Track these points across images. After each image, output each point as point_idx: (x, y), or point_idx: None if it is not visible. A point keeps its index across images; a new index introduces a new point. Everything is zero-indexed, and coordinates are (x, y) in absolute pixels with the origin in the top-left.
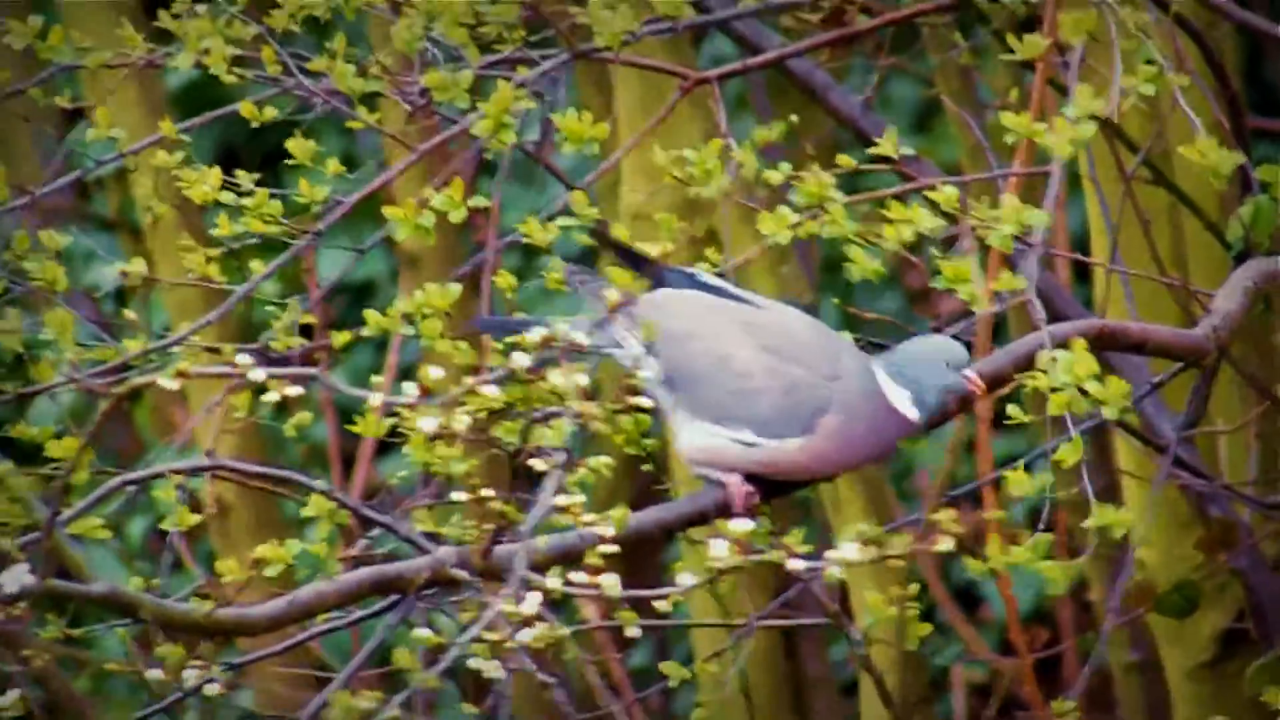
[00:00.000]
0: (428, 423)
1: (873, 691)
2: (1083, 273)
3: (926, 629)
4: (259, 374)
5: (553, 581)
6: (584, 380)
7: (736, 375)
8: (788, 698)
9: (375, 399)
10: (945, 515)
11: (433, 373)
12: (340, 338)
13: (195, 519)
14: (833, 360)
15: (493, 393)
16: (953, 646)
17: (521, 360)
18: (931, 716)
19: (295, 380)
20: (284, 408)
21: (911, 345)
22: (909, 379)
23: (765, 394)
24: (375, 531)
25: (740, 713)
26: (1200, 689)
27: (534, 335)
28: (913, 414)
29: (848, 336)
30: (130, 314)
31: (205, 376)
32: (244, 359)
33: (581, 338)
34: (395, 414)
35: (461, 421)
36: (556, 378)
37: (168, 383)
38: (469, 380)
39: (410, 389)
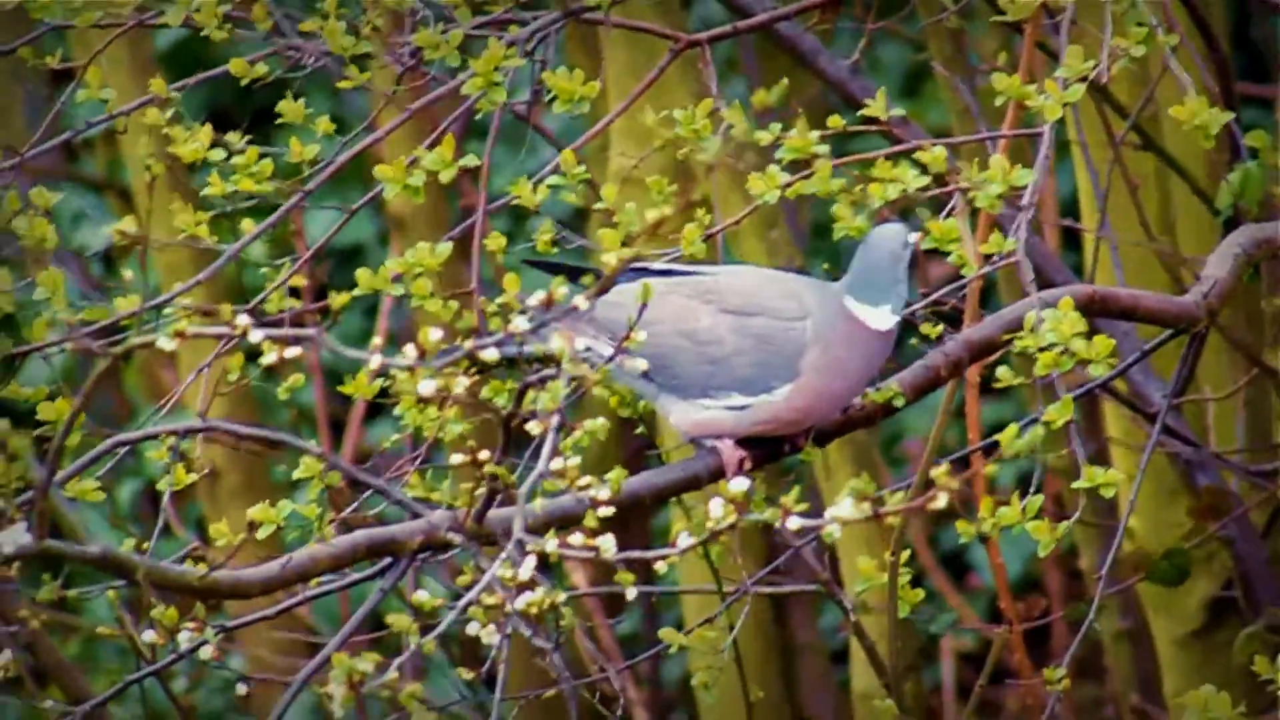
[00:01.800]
0: (427, 386)
1: (863, 659)
2: (1072, 240)
3: (918, 596)
4: (258, 334)
5: (549, 545)
6: (581, 343)
7: (707, 345)
8: (777, 665)
9: (374, 360)
10: (940, 472)
11: (433, 335)
12: (339, 299)
13: (191, 478)
14: (796, 299)
15: (492, 356)
16: (942, 614)
17: (521, 324)
18: (921, 684)
19: (294, 342)
20: (272, 372)
21: (862, 256)
22: (873, 289)
23: (740, 354)
24: (365, 495)
25: (731, 679)
26: (1189, 657)
27: (532, 299)
28: (884, 324)
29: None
30: (128, 273)
31: (204, 336)
32: (243, 319)
33: (582, 301)
34: (387, 377)
35: (460, 384)
36: (556, 341)
37: (166, 343)
38: (468, 344)
39: (409, 351)
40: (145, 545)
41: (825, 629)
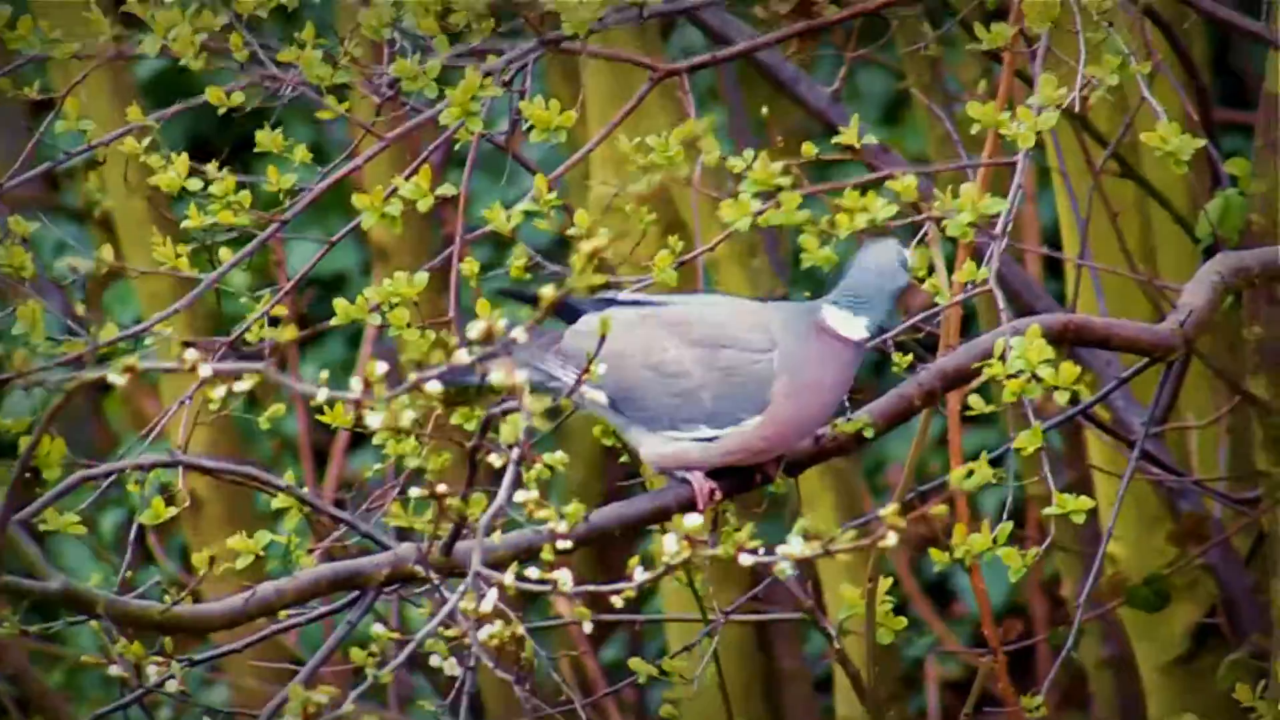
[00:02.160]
0: (374, 418)
1: (847, 686)
2: (1054, 267)
3: (901, 623)
4: (205, 370)
5: (509, 578)
6: (523, 377)
7: (673, 378)
8: (762, 692)
9: (321, 394)
10: (889, 511)
11: (379, 368)
12: (286, 332)
13: (170, 512)
14: (762, 329)
15: (436, 389)
16: (926, 639)
17: (463, 356)
18: (905, 712)
19: (243, 375)
20: (256, 401)
21: (859, 263)
22: (858, 299)
23: (706, 387)
24: (344, 525)
25: (715, 707)
26: (1173, 684)
27: (473, 330)
28: (856, 333)
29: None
30: (82, 310)
31: (152, 370)
32: (191, 353)
33: (521, 334)
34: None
35: (407, 418)
36: (497, 375)
37: (116, 378)
38: (413, 376)
39: (355, 384)
40: (128, 575)
41: (809, 656)
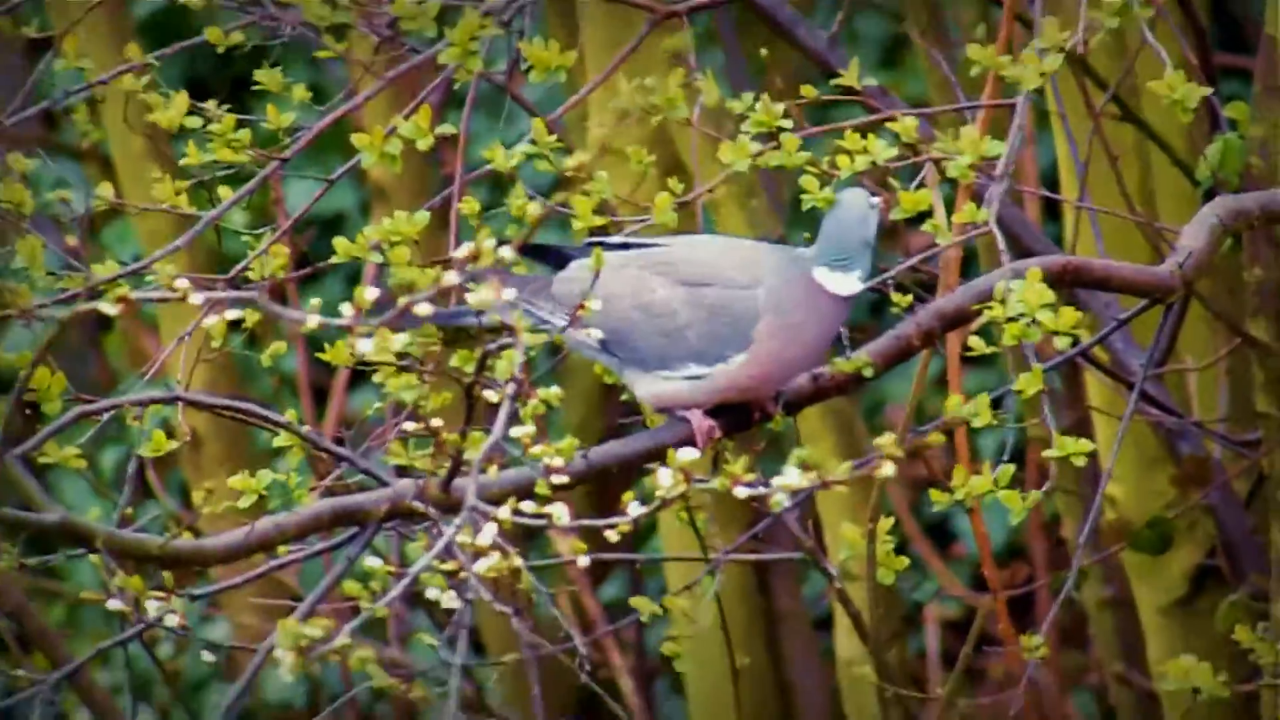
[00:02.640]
0: (364, 344)
1: (846, 626)
2: (1053, 210)
3: (903, 563)
4: (197, 298)
5: (503, 511)
6: (511, 295)
7: (661, 317)
8: (761, 633)
9: (312, 320)
10: (886, 441)
11: (369, 293)
12: (277, 262)
13: (171, 445)
14: (751, 268)
15: (427, 310)
16: (926, 582)
17: (451, 278)
18: (905, 652)
19: (235, 305)
20: (256, 339)
21: (832, 223)
22: (843, 254)
23: (693, 325)
24: (344, 463)
25: (715, 647)
26: (1172, 625)
27: (460, 251)
28: (846, 288)
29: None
30: (75, 244)
31: (146, 300)
32: (182, 283)
33: (508, 252)
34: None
35: (397, 343)
36: (481, 293)
37: (109, 308)
38: (403, 300)
39: (346, 310)
40: (129, 511)
41: (808, 597)
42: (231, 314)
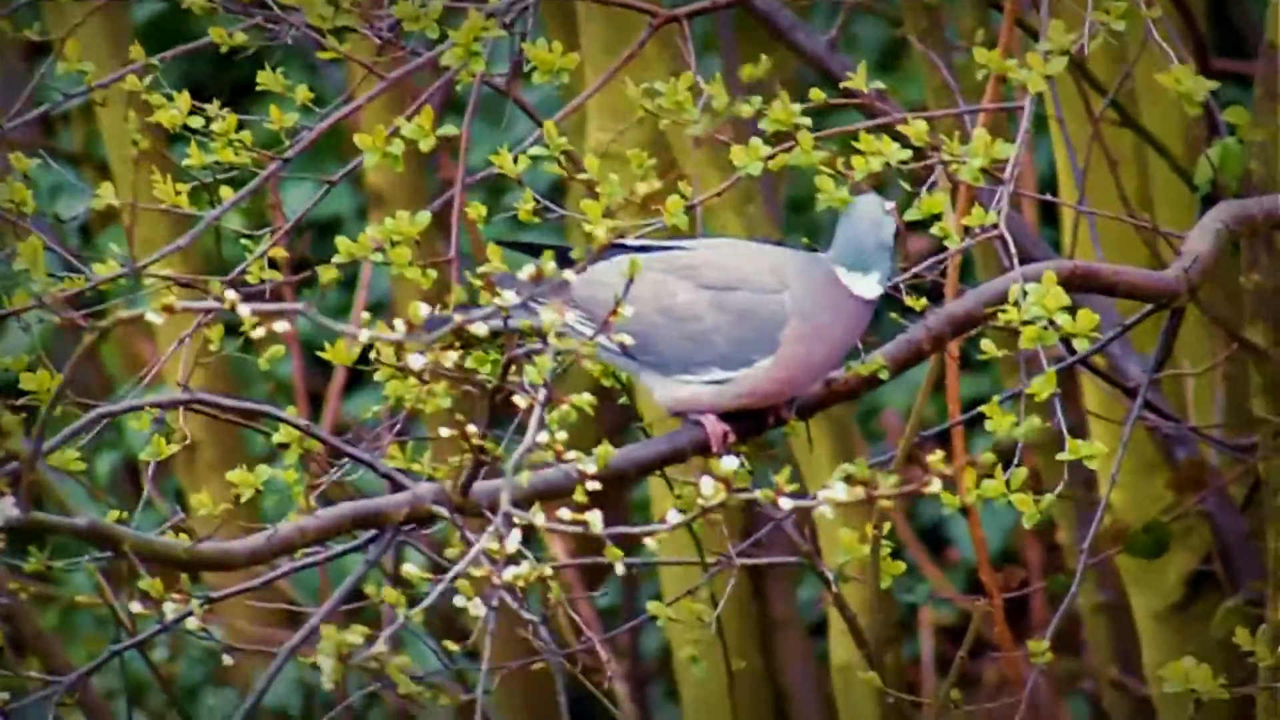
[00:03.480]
0: (417, 359)
1: (841, 631)
2: (1050, 216)
3: (900, 568)
4: (245, 309)
5: (537, 519)
6: (570, 314)
7: (685, 321)
8: (756, 638)
9: (363, 335)
10: (935, 457)
11: (421, 310)
12: (328, 271)
13: (172, 448)
14: (775, 272)
15: (482, 330)
16: (922, 586)
17: (510, 298)
18: (900, 657)
19: (279, 315)
20: (250, 343)
21: (845, 226)
22: (861, 257)
23: (718, 329)
24: (345, 466)
25: (711, 653)
26: (1167, 630)
27: (522, 272)
28: (870, 291)
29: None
30: (113, 248)
31: (192, 310)
32: (231, 294)
33: (571, 276)
34: (370, 349)
35: (450, 359)
36: (547, 314)
37: (154, 316)
38: (458, 318)
39: (398, 325)
40: (125, 515)
41: (803, 602)
42: (281, 326)
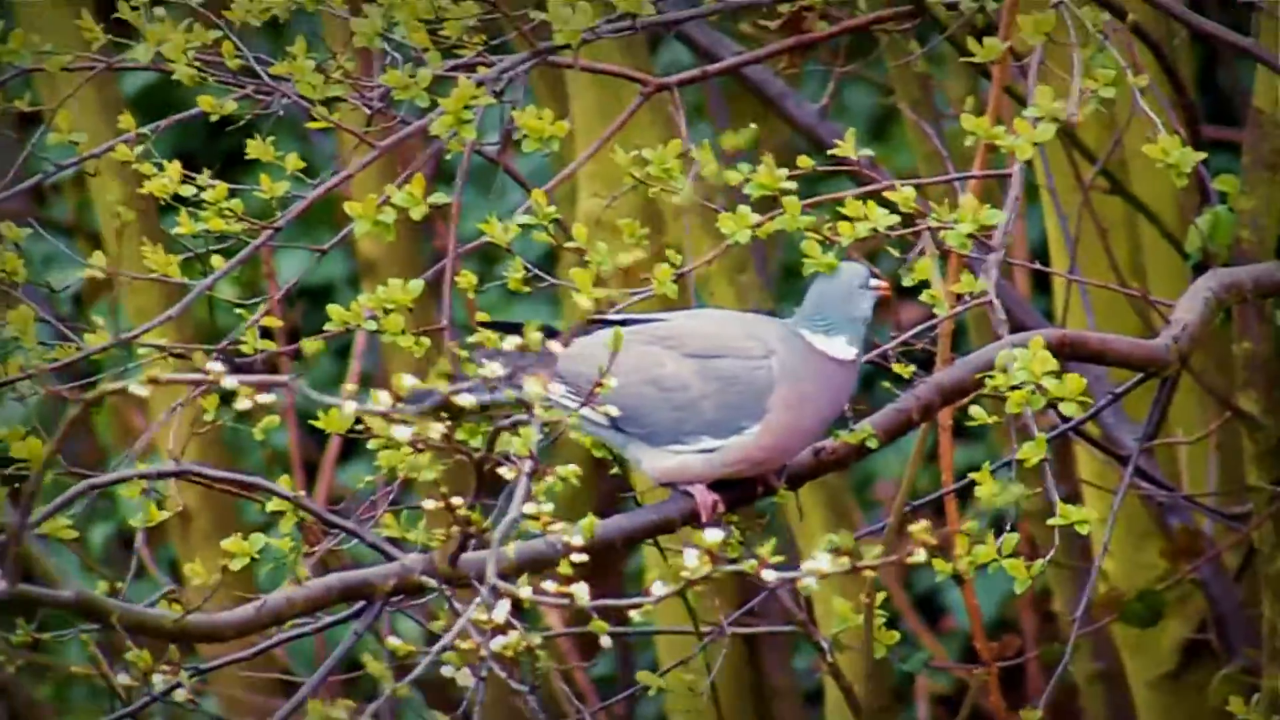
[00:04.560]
0: (402, 431)
1: (836, 699)
2: (1042, 284)
3: (894, 637)
4: (231, 381)
5: (524, 590)
6: (556, 388)
7: (674, 391)
8: (752, 706)
9: (349, 407)
10: (919, 527)
11: (406, 381)
12: (312, 344)
13: (163, 515)
14: (759, 339)
15: (469, 401)
16: (918, 654)
17: (496, 369)
18: None
19: (266, 387)
20: (245, 412)
21: (817, 290)
22: (832, 323)
23: (707, 398)
24: (338, 534)
25: None
26: (1163, 699)
27: (508, 343)
28: (848, 354)
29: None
30: (99, 319)
31: (177, 382)
32: (216, 366)
33: (556, 347)
34: (359, 421)
35: (436, 430)
36: (531, 385)
37: (139, 389)
38: (444, 389)
39: (384, 397)
40: (120, 586)
41: (799, 670)
42: (267, 398)
